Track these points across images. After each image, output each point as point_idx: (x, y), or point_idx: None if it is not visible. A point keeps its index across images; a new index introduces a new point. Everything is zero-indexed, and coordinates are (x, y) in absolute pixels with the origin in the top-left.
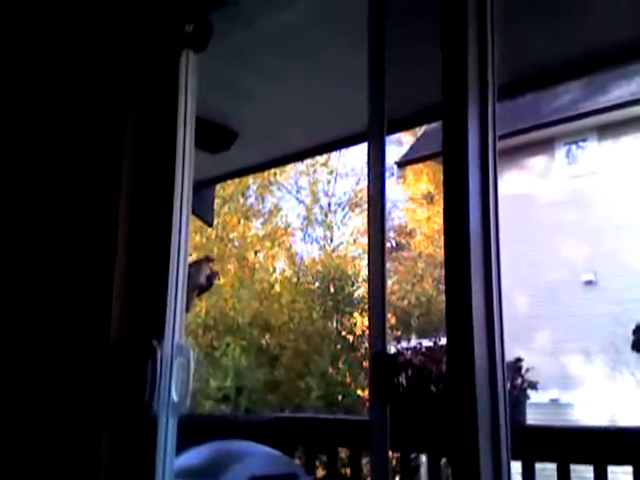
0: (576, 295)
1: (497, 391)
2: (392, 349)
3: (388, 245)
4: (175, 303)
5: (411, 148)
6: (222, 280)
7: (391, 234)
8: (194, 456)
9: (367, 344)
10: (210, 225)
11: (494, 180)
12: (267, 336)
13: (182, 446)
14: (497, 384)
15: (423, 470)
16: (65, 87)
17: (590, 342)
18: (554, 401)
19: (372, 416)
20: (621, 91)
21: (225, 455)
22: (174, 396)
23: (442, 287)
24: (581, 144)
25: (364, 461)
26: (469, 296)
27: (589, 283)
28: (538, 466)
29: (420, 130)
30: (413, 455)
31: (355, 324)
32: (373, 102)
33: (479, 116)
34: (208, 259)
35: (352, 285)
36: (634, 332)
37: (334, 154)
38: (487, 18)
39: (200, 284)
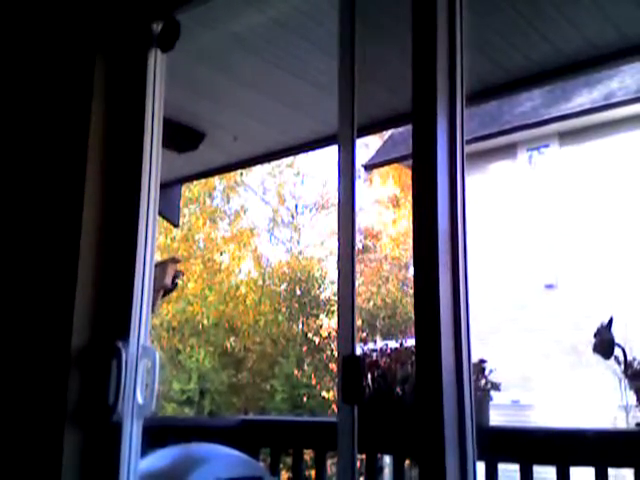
0: (537, 298)
1: (463, 392)
2: (358, 351)
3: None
4: (141, 304)
5: (378, 151)
6: (187, 282)
7: (357, 236)
8: (159, 459)
9: (333, 346)
10: (176, 225)
11: (462, 184)
12: (232, 338)
13: (147, 449)
14: (463, 385)
15: (387, 471)
16: (28, 87)
17: (551, 344)
18: (515, 402)
19: (340, 418)
20: (583, 98)
21: (190, 458)
22: (139, 398)
23: (407, 289)
24: (543, 150)
25: (329, 463)
26: (437, 298)
27: (550, 287)
28: (502, 467)
29: (387, 133)
30: (378, 456)
31: (321, 326)
32: (343, 106)
33: (448, 121)
34: (174, 260)
35: (319, 287)
36: (595, 335)
37: (300, 156)
38: (456, 27)
39: (165, 285)
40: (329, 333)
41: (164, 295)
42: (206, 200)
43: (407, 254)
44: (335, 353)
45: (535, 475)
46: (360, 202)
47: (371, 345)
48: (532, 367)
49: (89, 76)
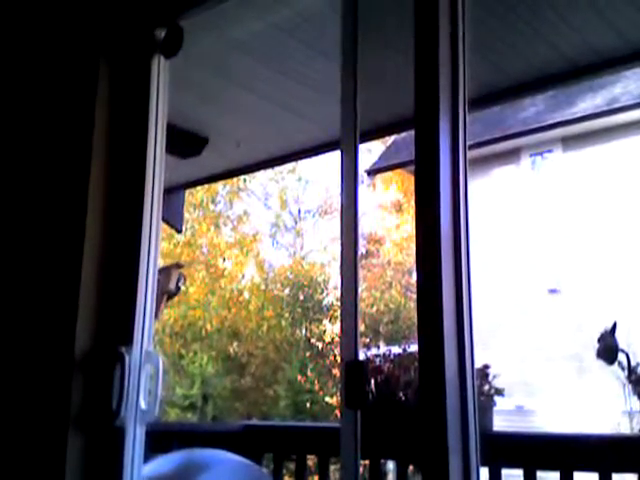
0: (540, 303)
1: (467, 397)
2: (361, 356)
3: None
4: (144, 309)
5: (380, 157)
6: (190, 287)
7: (360, 241)
8: (162, 465)
9: (336, 351)
10: (179, 231)
11: (465, 189)
12: (235, 344)
13: (150, 454)
14: (467, 390)
15: (390, 477)
16: (32, 92)
17: (554, 350)
18: (519, 408)
19: (343, 423)
20: (586, 104)
21: (193, 464)
22: (142, 404)
23: (410, 294)
24: (546, 155)
25: (332, 468)
26: (440, 303)
27: (553, 292)
28: (505, 472)
29: (389, 139)
30: (381, 462)
31: (324, 331)
32: (346, 111)
33: (450, 126)
34: (178, 265)
35: (321, 292)
36: (599, 340)
37: (303, 161)
38: (459, 32)
39: (169, 290)
40: (332, 338)
41: (168, 300)
42: (209, 205)
43: (410, 259)
44: (338, 358)
45: None
46: (363, 207)
47: (374, 350)
48: (536, 372)
49: (93, 82)
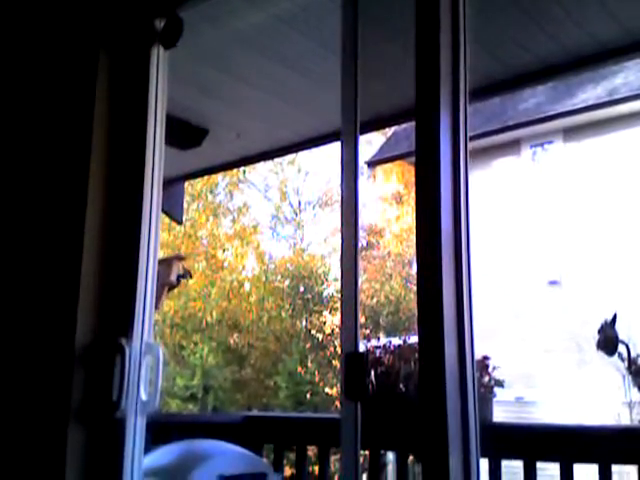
0: (541, 294)
1: (467, 388)
2: (362, 347)
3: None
4: (144, 301)
5: (381, 148)
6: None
7: (361, 233)
8: (162, 455)
9: (336, 342)
10: (179, 222)
11: (465, 180)
12: (235, 335)
13: (150, 445)
14: (467, 382)
15: (390, 468)
16: (31, 84)
17: (554, 341)
18: (519, 399)
19: (343, 415)
20: (587, 95)
21: (194, 454)
22: (143, 395)
23: (410, 286)
24: (547, 146)
25: (332, 459)
26: (440, 294)
27: (553, 283)
28: (505, 463)
29: (390, 130)
30: (381, 453)
31: (324, 323)
32: (346, 103)
33: (451, 117)
34: (179, 257)
35: (322, 284)
36: (599, 331)
37: (303, 152)
38: (459, 22)
39: (170, 282)
40: (332, 330)
41: (168, 292)
42: (209, 196)
43: (410, 251)
44: (339, 350)
45: (539, 472)
46: (363, 199)
47: (374, 342)
48: (536, 364)
49: (92, 73)
